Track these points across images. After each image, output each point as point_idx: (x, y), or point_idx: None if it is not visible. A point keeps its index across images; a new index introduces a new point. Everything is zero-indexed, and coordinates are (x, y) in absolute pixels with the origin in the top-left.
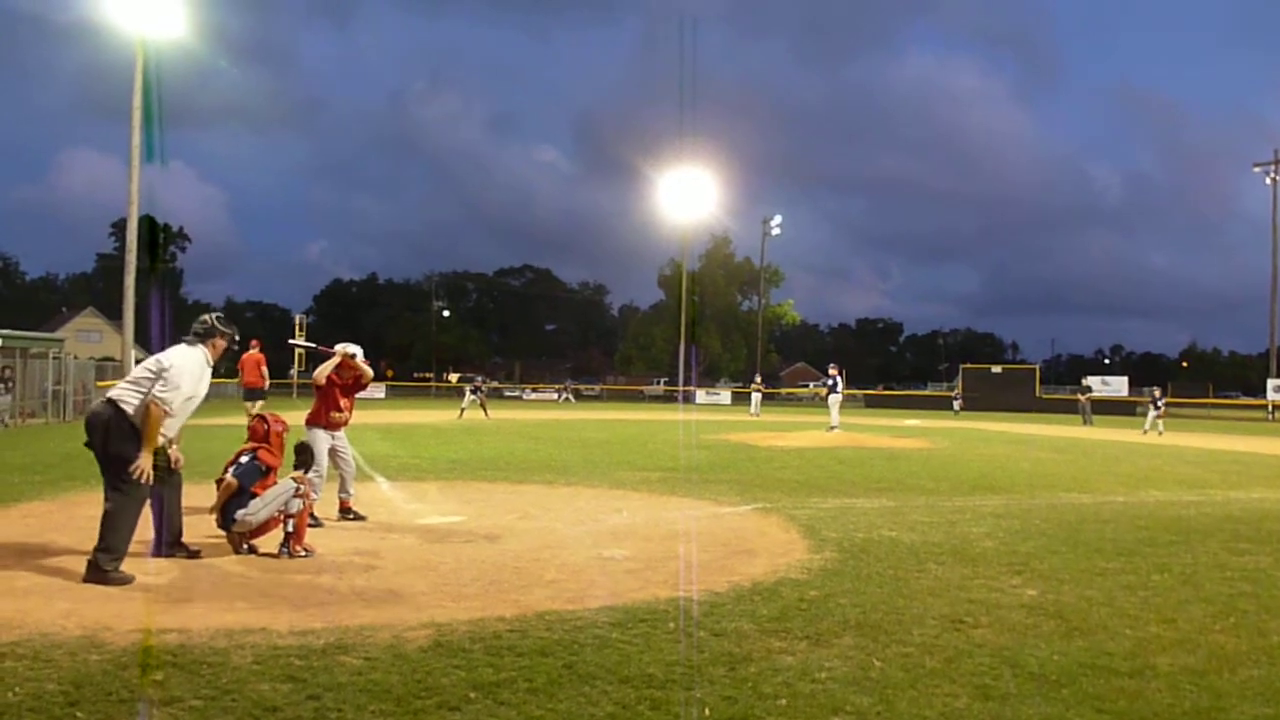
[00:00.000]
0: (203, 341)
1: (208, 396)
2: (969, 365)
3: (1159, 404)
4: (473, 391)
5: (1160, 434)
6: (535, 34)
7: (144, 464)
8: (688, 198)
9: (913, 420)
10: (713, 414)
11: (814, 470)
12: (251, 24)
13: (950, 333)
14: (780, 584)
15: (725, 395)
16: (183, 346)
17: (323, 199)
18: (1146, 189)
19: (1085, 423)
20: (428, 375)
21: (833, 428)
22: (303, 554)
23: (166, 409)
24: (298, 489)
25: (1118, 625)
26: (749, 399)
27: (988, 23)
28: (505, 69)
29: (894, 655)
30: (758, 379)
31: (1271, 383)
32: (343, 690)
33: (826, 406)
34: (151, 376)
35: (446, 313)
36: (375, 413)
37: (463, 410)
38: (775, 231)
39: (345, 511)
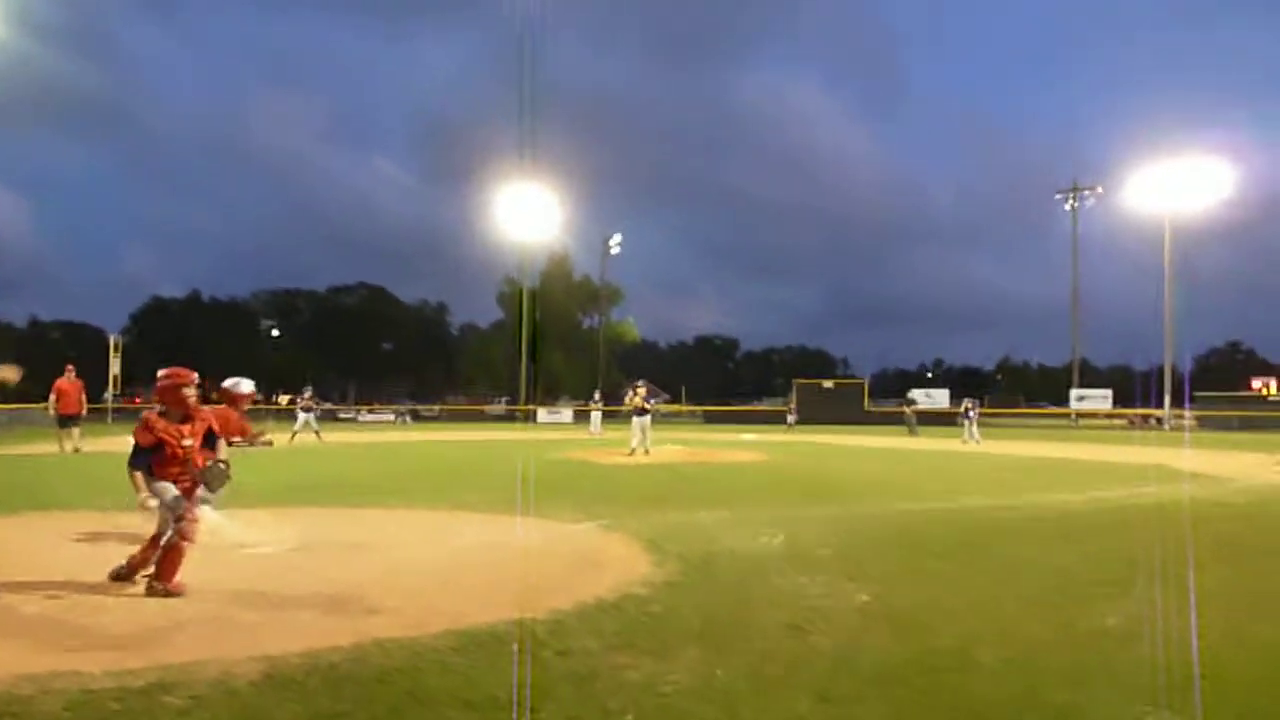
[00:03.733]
0: None
1: (14, 422)
2: (802, 380)
3: (971, 413)
4: (304, 410)
5: (979, 442)
6: (376, 39)
7: None
8: (528, 214)
9: (749, 434)
10: (555, 432)
11: (655, 486)
12: (63, 8)
13: (784, 349)
14: (624, 600)
15: (567, 413)
16: None
17: (142, 208)
18: (975, 208)
19: (911, 433)
20: (256, 398)
21: (632, 450)
22: (161, 592)
23: None
24: (180, 520)
25: (943, 623)
26: (589, 417)
27: (837, 42)
28: (342, 74)
29: (737, 664)
30: (596, 396)
31: (1074, 392)
32: None
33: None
34: None
35: (276, 332)
36: None
37: (294, 433)
38: (615, 250)
39: None
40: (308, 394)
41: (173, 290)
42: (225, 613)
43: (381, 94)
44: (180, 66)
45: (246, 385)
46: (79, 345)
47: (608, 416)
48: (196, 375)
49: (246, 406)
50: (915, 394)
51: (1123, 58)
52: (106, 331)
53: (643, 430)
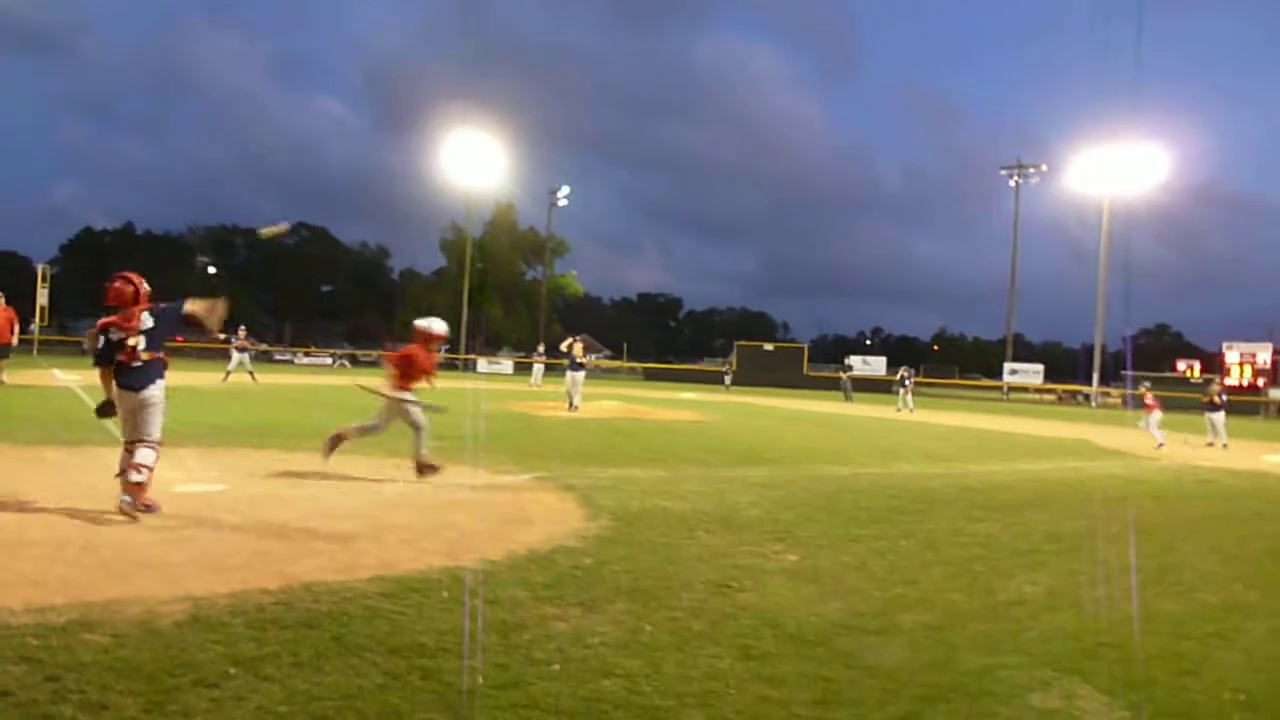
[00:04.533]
0: None
1: None
2: (743, 342)
3: (907, 381)
4: (238, 350)
5: (912, 410)
6: None
7: None
8: (476, 162)
9: (688, 393)
10: (494, 383)
11: (592, 441)
12: None
13: (727, 310)
14: (555, 552)
15: (507, 365)
16: None
17: (75, 136)
18: (922, 183)
19: (846, 399)
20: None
21: (571, 405)
22: (140, 509)
23: None
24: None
25: (868, 587)
26: (531, 369)
27: (796, 10)
28: (292, 8)
29: (663, 620)
30: (540, 350)
31: (1007, 366)
32: (86, 670)
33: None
34: None
35: (212, 269)
36: None
37: (228, 373)
38: (562, 203)
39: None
40: (242, 334)
41: (105, 222)
42: (151, 552)
43: (332, 33)
44: None
45: (440, 325)
46: (3, 274)
47: (549, 370)
48: None
49: (438, 347)
50: (853, 360)
51: (1077, 41)
52: (34, 261)
53: (575, 384)
